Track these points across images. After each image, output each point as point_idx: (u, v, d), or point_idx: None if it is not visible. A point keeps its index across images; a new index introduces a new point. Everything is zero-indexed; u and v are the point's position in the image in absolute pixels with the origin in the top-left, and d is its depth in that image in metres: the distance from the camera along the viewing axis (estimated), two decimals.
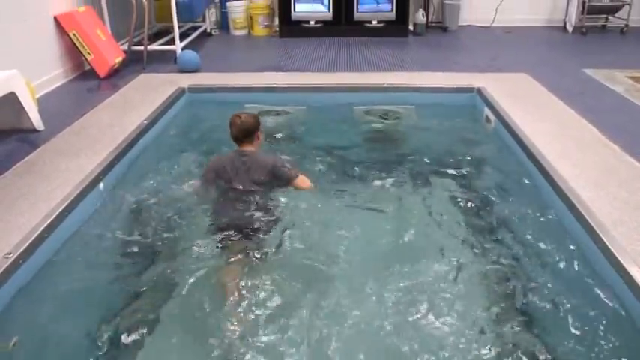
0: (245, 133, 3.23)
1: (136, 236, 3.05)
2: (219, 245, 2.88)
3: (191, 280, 2.66)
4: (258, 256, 2.81)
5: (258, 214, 3.03)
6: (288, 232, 2.96)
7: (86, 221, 3.12)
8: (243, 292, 2.57)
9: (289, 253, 2.85)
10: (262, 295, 2.55)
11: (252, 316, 2.44)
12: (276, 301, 2.52)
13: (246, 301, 2.51)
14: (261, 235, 2.93)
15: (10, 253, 2.55)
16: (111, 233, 3.06)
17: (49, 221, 2.83)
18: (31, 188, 3.22)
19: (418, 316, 2.44)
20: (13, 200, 3.09)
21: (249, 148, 3.27)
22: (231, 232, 2.93)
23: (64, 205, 2.99)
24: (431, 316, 2.44)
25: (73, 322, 2.48)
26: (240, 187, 3.17)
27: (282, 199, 3.18)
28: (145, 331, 2.40)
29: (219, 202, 3.20)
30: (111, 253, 2.94)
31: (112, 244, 3.00)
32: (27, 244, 2.64)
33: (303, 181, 3.27)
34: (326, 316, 2.44)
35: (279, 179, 3.24)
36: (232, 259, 2.79)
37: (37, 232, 2.73)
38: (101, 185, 3.38)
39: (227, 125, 3.26)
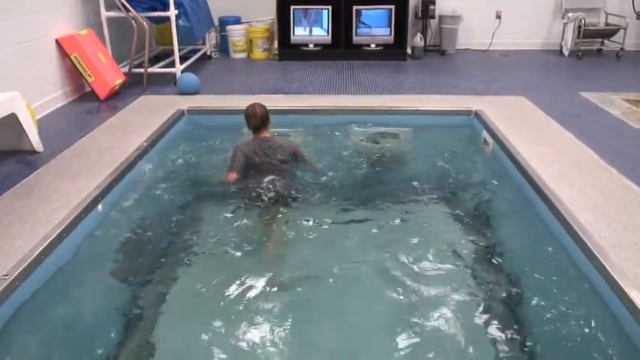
0: (264, 120, 3.79)
1: (137, 257, 3.05)
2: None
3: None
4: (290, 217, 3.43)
5: (288, 185, 3.68)
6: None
7: (85, 243, 3.10)
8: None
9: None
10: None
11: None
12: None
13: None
14: (290, 200, 3.59)
15: (7, 275, 2.54)
16: (110, 255, 3.06)
17: (47, 243, 2.82)
18: (30, 210, 3.22)
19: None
20: (11, 222, 3.08)
21: (266, 134, 3.82)
22: (269, 197, 3.55)
23: (62, 227, 2.98)
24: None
25: (69, 346, 2.46)
26: (271, 164, 3.73)
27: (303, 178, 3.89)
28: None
29: (254, 179, 3.71)
30: (110, 274, 2.93)
31: (111, 266, 2.99)
32: (24, 265, 2.62)
33: (314, 163, 4.01)
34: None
35: (298, 161, 3.90)
36: (267, 218, 3.41)
37: (35, 254, 2.71)
38: (100, 207, 3.38)
39: (230, 142, 3.32)
